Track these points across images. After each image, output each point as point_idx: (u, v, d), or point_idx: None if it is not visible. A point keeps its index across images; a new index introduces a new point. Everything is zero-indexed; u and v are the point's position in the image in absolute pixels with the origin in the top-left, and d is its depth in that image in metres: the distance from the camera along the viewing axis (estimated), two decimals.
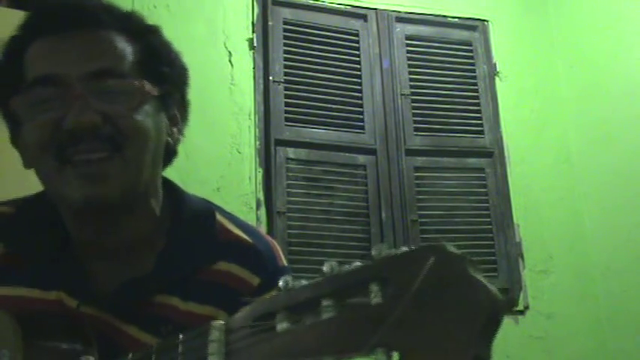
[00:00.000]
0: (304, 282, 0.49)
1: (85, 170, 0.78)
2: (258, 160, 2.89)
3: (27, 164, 0.85)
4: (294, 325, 0.47)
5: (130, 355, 0.63)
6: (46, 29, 0.83)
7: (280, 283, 0.50)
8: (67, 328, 0.78)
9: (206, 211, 0.91)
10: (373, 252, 0.47)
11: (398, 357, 0.42)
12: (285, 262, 0.91)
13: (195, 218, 0.89)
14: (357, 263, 0.47)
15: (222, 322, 0.52)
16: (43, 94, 0.79)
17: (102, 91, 0.79)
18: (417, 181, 3.14)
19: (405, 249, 0.46)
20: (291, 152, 2.96)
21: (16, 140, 0.86)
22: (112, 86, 0.80)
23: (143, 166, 0.82)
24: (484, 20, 3.49)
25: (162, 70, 0.86)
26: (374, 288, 0.45)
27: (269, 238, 0.94)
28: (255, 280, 0.87)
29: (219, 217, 0.91)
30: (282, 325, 0.47)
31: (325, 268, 0.48)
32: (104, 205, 0.79)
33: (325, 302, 0.46)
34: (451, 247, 0.44)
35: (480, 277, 0.42)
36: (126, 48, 0.83)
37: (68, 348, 0.75)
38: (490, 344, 0.41)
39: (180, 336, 0.57)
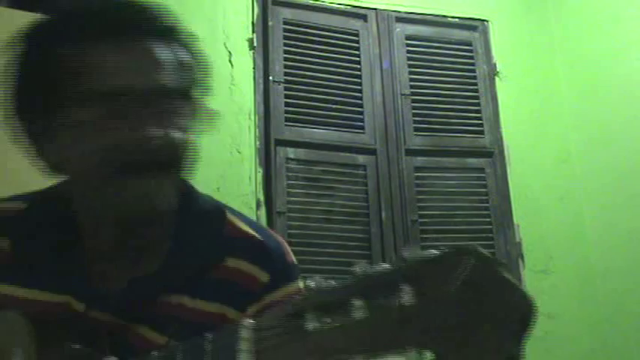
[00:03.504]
0: (333, 282, 0.49)
1: (145, 186, 0.77)
2: (258, 160, 2.89)
3: (61, 172, 0.82)
4: (324, 325, 0.47)
5: (155, 353, 0.63)
6: (106, 33, 0.78)
7: (309, 284, 0.49)
8: (77, 329, 0.77)
9: (216, 209, 0.91)
10: (404, 254, 0.46)
11: (431, 357, 0.42)
12: (294, 259, 0.91)
13: (205, 217, 0.88)
14: (387, 265, 0.47)
15: (251, 320, 0.52)
16: (110, 108, 0.76)
17: (166, 107, 0.79)
18: (417, 181, 3.14)
19: (435, 252, 0.46)
20: (291, 152, 2.96)
21: (46, 145, 0.81)
22: (174, 103, 0.80)
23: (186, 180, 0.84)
24: (484, 20, 3.49)
25: (200, 81, 0.86)
26: (406, 289, 0.45)
27: (278, 235, 0.93)
28: (264, 277, 0.86)
29: (229, 215, 0.91)
30: (312, 325, 0.47)
31: (356, 268, 0.48)
32: (153, 218, 0.80)
33: (356, 302, 0.46)
34: (483, 250, 0.44)
35: (512, 279, 0.43)
36: (182, 59, 0.82)
37: (80, 349, 0.75)
38: (522, 345, 0.42)
39: (209, 335, 0.57)
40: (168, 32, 0.82)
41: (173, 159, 0.79)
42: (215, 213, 0.90)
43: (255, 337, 0.51)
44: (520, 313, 0.42)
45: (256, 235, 0.89)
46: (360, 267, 0.48)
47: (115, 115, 0.76)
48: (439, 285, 0.43)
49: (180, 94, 0.80)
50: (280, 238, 0.92)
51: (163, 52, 0.80)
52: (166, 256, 0.84)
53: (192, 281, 0.84)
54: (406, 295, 0.44)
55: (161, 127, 0.77)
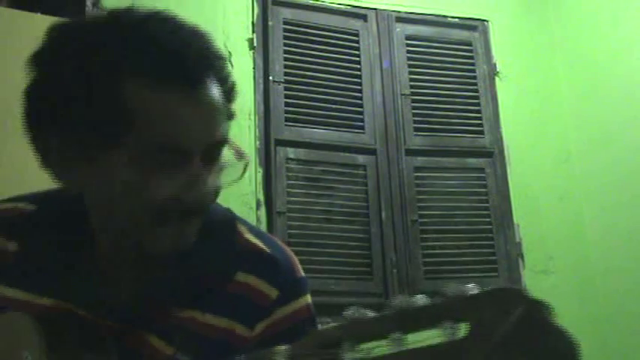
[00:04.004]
0: (371, 313, 0.48)
1: (177, 234, 0.76)
2: (258, 160, 2.89)
3: (97, 203, 0.79)
4: (360, 356, 0.46)
5: None
6: (177, 82, 0.72)
7: (348, 313, 0.49)
8: (85, 336, 0.77)
9: (227, 221, 0.89)
10: (447, 291, 0.46)
11: None
12: (302, 273, 0.89)
13: (216, 228, 0.86)
14: (428, 300, 0.46)
15: (285, 347, 0.52)
16: (158, 158, 0.72)
17: (214, 162, 0.77)
18: (417, 181, 3.14)
19: (479, 290, 0.45)
20: (291, 152, 2.96)
21: (88, 183, 0.77)
22: (220, 155, 0.78)
23: None
24: (484, 20, 3.49)
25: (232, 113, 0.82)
26: (447, 326, 0.44)
27: (287, 248, 0.92)
28: (274, 293, 0.84)
29: (238, 226, 0.89)
30: (347, 355, 0.46)
31: (395, 301, 0.47)
32: (175, 253, 0.79)
33: (394, 335, 0.45)
34: (528, 292, 0.44)
35: (558, 324, 0.43)
36: (226, 106, 0.79)
37: (88, 356, 0.74)
38: None
39: (242, 358, 0.56)
40: (224, 79, 0.78)
41: (210, 204, 0.78)
42: (226, 224, 0.88)
43: None
44: (565, 358, 0.43)
45: (265, 248, 0.87)
46: (399, 299, 0.47)
47: (172, 167, 0.73)
48: (482, 324, 0.43)
49: (225, 142, 0.78)
50: (289, 251, 0.91)
51: (221, 103, 0.76)
52: (178, 267, 0.82)
53: (204, 294, 0.83)
54: (446, 333, 0.44)
55: (213, 179, 0.76)
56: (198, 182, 0.74)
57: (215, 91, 0.75)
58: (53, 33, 0.77)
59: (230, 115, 0.79)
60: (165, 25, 0.74)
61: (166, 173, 0.72)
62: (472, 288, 0.45)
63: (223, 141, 0.77)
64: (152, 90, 0.71)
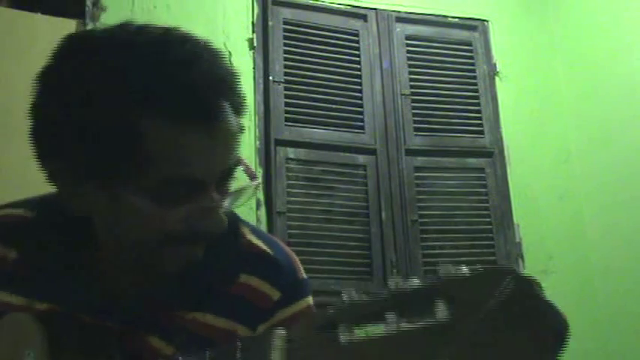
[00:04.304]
0: (367, 296, 0.49)
1: (186, 254, 0.77)
2: (258, 160, 2.89)
3: (107, 226, 0.78)
4: (357, 337, 0.47)
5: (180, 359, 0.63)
6: (182, 112, 0.70)
7: (343, 296, 0.49)
8: (86, 337, 0.77)
9: (230, 223, 0.87)
10: (441, 271, 0.47)
11: None
12: (304, 275, 0.90)
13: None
14: (423, 281, 0.47)
15: (283, 330, 0.52)
16: (175, 192, 0.71)
17: (227, 186, 0.77)
18: (417, 181, 3.14)
19: (472, 270, 0.46)
20: (291, 152, 2.96)
21: (102, 213, 0.76)
22: (233, 177, 0.78)
23: None
24: (484, 20, 3.49)
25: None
26: (440, 306, 0.45)
27: (289, 249, 0.92)
28: (275, 294, 0.85)
29: (241, 227, 0.89)
30: (344, 337, 0.47)
31: (390, 283, 0.48)
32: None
33: (389, 316, 0.46)
34: (520, 270, 0.45)
35: (548, 299, 0.44)
36: (239, 123, 0.78)
37: (90, 357, 0.74)
38: None
39: (238, 343, 0.56)
40: (238, 98, 0.77)
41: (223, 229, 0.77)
42: (230, 227, 0.87)
43: (287, 347, 0.51)
44: (556, 334, 0.43)
45: (267, 250, 0.87)
46: (393, 282, 0.48)
47: (187, 198, 0.72)
48: (477, 302, 0.44)
49: (238, 165, 0.78)
50: (291, 253, 0.91)
51: (236, 129, 0.75)
52: (182, 272, 0.81)
53: (207, 296, 0.83)
54: (442, 311, 0.45)
55: (226, 204, 0.76)
56: (213, 210, 0.74)
57: (231, 118, 0.74)
58: (64, 49, 0.74)
59: (241, 130, 0.78)
60: (182, 52, 0.72)
61: (181, 204, 0.72)
62: (465, 269, 0.46)
63: (237, 164, 0.77)
64: (168, 126, 0.70)
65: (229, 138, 0.74)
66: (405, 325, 0.45)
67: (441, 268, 0.47)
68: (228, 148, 0.75)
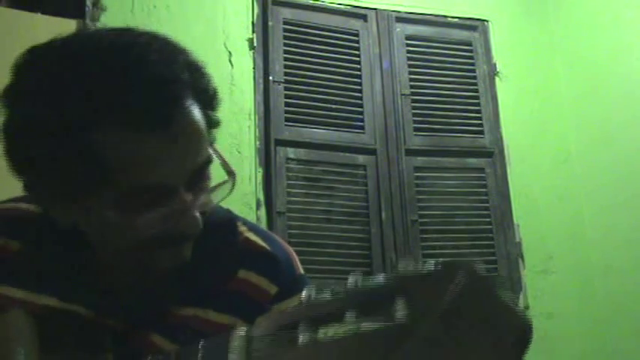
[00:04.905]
0: (327, 295, 0.49)
1: (174, 254, 0.77)
2: (258, 160, 2.89)
3: (90, 234, 0.79)
4: (316, 337, 0.46)
5: (149, 358, 0.63)
6: (137, 122, 0.69)
7: (303, 295, 0.49)
8: (83, 335, 0.77)
9: (228, 221, 0.90)
10: (399, 267, 0.46)
11: None
12: (302, 271, 0.90)
13: (218, 229, 0.86)
14: (382, 278, 0.47)
15: (244, 329, 0.52)
16: (142, 199, 0.71)
17: (200, 184, 0.76)
18: (417, 181, 3.14)
19: (431, 266, 0.46)
20: (291, 152, 2.96)
21: (82, 220, 0.77)
22: (207, 174, 0.77)
23: None
24: (484, 20, 3.49)
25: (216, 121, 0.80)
26: (399, 304, 0.44)
27: (287, 245, 0.93)
28: (273, 289, 0.86)
29: (239, 225, 0.90)
30: (304, 336, 0.47)
31: (349, 281, 0.48)
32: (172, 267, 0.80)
33: (349, 316, 0.46)
34: (478, 266, 0.44)
35: (507, 297, 0.43)
36: (210, 116, 0.77)
37: (85, 355, 0.74)
38: None
39: (202, 343, 0.57)
40: (204, 90, 0.76)
41: (201, 227, 0.77)
42: (227, 225, 0.89)
43: (246, 346, 0.51)
44: (516, 333, 0.42)
45: (266, 246, 0.88)
46: (354, 279, 0.48)
47: (158, 204, 0.72)
48: (431, 300, 0.43)
49: (209, 162, 0.77)
50: (289, 249, 0.92)
51: (201, 125, 0.74)
52: (181, 269, 0.82)
53: (206, 293, 0.83)
54: (399, 309, 0.44)
55: (202, 201, 0.76)
56: (187, 211, 0.73)
57: (193, 115, 0.73)
58: (21, 66, 0.74)
59: (216, 124, 0.78)
60: (127, 59, 0.70)
61: (152, 210, 0.72)
62: (425, 265, 0.45)
63: (207, 162, 0.76)
64: (121, 137, 0.69)
65: (190, 138, 0.73)
66: (364, 326, 0.45)
67: (400, 263, 0.46)
68: (191, 149, 0.73)
